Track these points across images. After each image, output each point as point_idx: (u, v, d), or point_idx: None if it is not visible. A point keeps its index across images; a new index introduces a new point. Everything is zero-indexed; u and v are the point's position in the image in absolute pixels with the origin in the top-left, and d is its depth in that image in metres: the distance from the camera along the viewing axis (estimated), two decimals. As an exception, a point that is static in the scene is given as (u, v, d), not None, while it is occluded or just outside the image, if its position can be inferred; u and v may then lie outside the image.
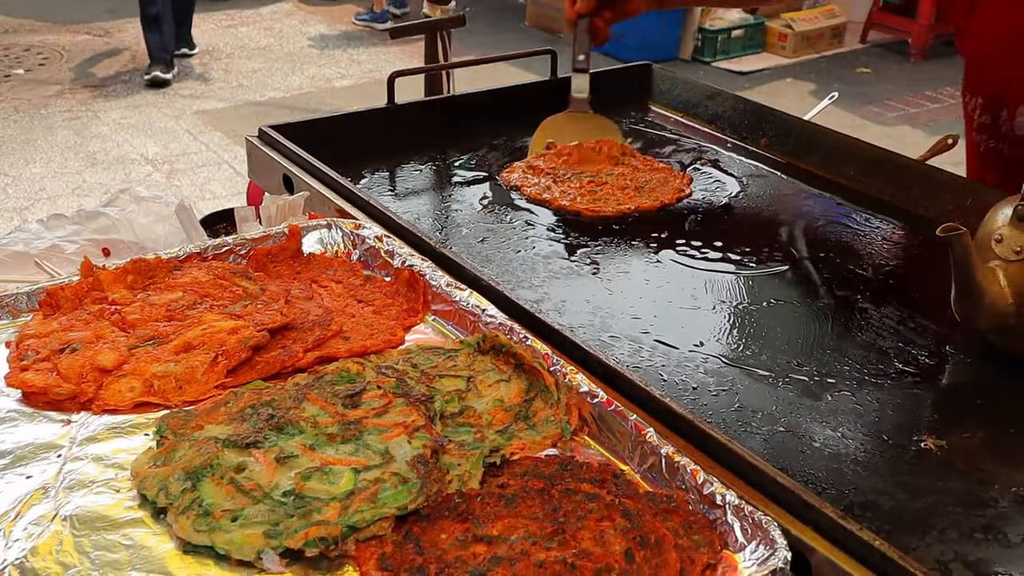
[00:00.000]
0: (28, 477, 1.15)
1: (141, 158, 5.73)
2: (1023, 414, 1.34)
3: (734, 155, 2.12)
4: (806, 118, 2.28)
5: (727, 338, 1.48)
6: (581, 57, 2.01)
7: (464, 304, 1.41)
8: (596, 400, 1.22)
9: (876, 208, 1.89)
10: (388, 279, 1.52)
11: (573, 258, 1.68)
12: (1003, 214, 1.41)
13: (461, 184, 1.95)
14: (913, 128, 6.26)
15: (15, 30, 7.84)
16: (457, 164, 2.03)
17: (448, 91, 2.72)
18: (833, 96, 3.02)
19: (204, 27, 8.08)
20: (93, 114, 6.34)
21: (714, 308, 1.56)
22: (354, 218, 1.63)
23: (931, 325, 1.52)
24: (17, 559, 1.03)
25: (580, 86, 2.04)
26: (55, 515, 1.09)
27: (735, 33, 7.44)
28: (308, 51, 7.61)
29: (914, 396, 1.36)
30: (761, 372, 1.40)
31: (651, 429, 1.16)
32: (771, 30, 7.51)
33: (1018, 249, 1.37)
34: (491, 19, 8.36)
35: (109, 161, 5.66)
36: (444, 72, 2.67)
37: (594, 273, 1.64)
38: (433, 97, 2.32)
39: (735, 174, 2.03)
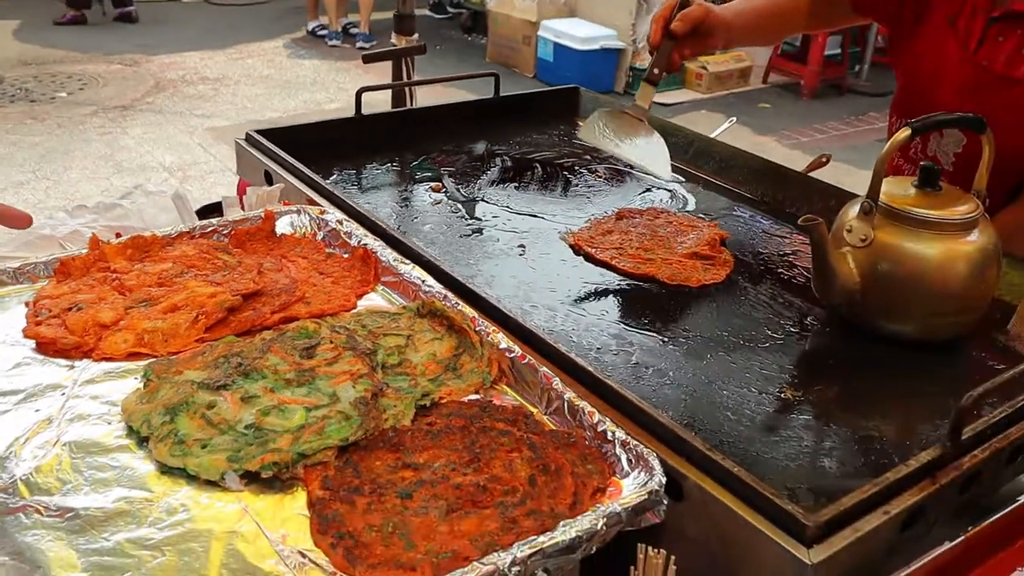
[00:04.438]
0: (36, 410, 1.15)
1: (159, 166, 5.64)
2: (865, 372, 1.36)
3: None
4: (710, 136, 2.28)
5: (629, 309, 1.48)
6: (655, 71, 1.76)
7: (408, 276, 1.41)
8: (512, 355, 1.22)
9: (758, 207, 1.90)
10: (346, 256, 1.51)
11: (504, 242, 1.68)
12: (854, 209, 1.42)
13: (416, 181, 1.93)
14: (803, 153, 6.31)
15: (61, 61, 7.71)
16: (413, 164, 2.01)
17: (410, 106, 2.70)
18: (732, 120, 3.02)
19: (216, 59, 7.99)
20: (121, 130, 6.24)
21: (617, 285, 1.56)
22: (320, 205, 1.62)
23: (796, 301, 1.53)
24: (24, 475, 1.03)
25: (645, 95, 1.78)
26: (57, 441, 1.09)
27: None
28: (303, 79, 7.53)
29: (779, 358, 1.37)
30: (655, 336, 1.40)
31: (557, 378, 1.16)
32: (689, 70, 7.52)
33: (863, 237, 1.38)
34: (458, 56, 8.34)
35: (133, 168, 5.57)
36: (408, 90, 2.66)
37: (520, 255, 1.63)
38: (395, 109, 2.30)
39: (638, 176, 2.03)
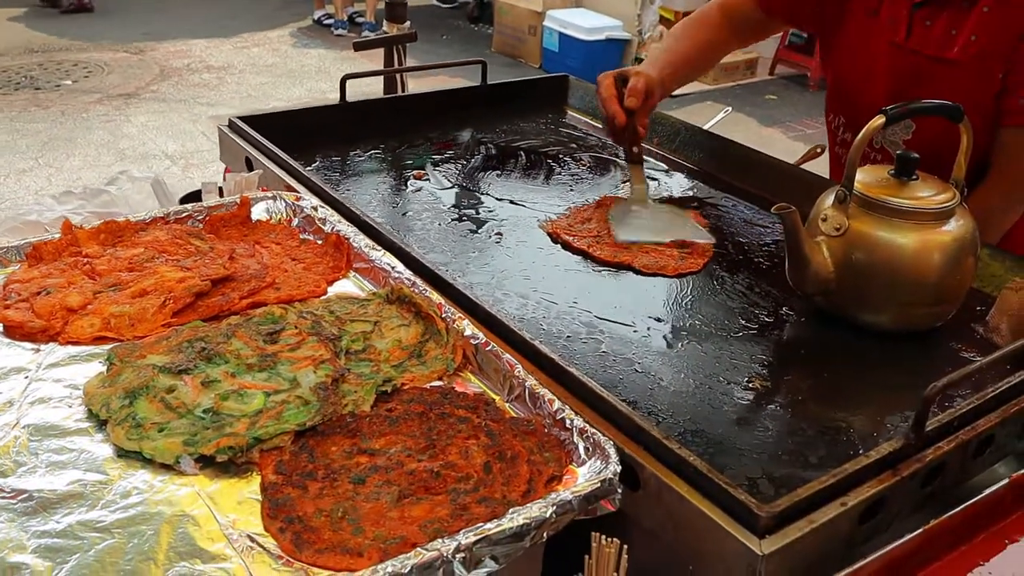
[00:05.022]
0: (-2, 393, 1.14)
1: (162, 154, 5.65)
2: (836, 363, 1.35)
3: (631, 152, 2.11)
4: (705, 127, 2.24)
5: (601, 297, 1.47)
6: (635, 150, 1.81)
7: (378, 263, 1.40)
8: (476, 341, 1.21)
9: (743, 197, 1.88)
10: (320, 242, 1.50)
11: (481, 230, 1.67)
12: (830, 198, 1.40)
13: (397, 168, 1.92)
14: (807, 144, 6.24)
15: (66, 49, 7.72)
16: (396, 151, 2.00)
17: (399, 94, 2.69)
18: (728, 110, 3.00)
19: (222, 48, 7.99)
20: (125, 117, 6.25)
21: (592, 272, 1.55)
22: (296, 192, 1.61)
23: (773, 291, 1.52)
24: (-20, 457, 1.02)
25: (638, 176, 1.80)
26: (16, 423, 1.09)
27: (664, 64, 7.41)
28: (308, 68, 7.53)
29: (750, 347, 1.36)
30: (625, 325, 1.39)
31: (519, 366, 1.15)
32: (696, 62, 7.50)
33: (838, 227, 1.36)
34: (463, 46, 8.32)
35: (136, 156, 5.58)
36: (399, 77, 2.65)
37: (497, 243, 1.62)
38: (378, 96, 2.29)
39: (623, 165, 2.01)
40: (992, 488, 1.06)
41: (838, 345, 1.39)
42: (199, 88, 6.95)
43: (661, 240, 1.63)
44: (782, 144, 6.21)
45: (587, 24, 7.26)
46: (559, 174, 1.94)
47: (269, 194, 1.60)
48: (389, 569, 0.84)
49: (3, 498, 0.98)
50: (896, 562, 0.96)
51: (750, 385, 1.26)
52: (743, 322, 1.42)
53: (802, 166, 2.16)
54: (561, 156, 2.03)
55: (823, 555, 0.97)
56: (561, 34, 7.40)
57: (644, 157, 1.88)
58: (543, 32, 7.64)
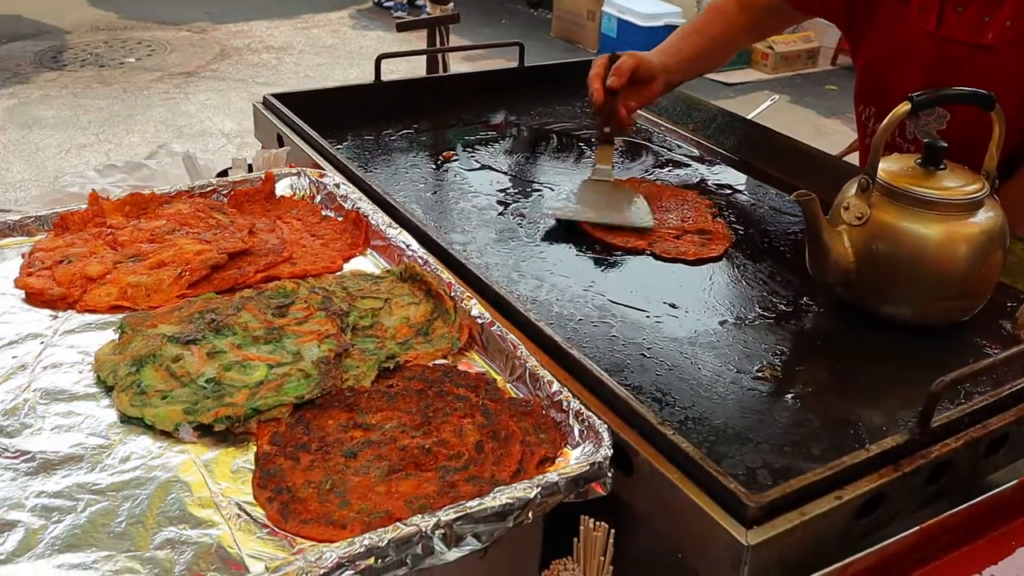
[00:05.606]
0: (14, 357, 1.18)
1: (219, 132, 5.74)
2: (853, 355, 1.32)
3: (666, 136, 2.08)
4: (750, 116, 2.19)
5: (618, 282, 1.46)
6: (606, 129, 1.76)
7: (394, 241, 1.41)
8: (482, 321, 1.21)
9: (776, 184, 1.85)
10: (340, 219, 1.51)
11: (505, 211, 1.66)
12: (854, 187, 1.37)
13: (428, 148, 1.93)
14: (868, 137, 6.14)
15: (131, 28, 7.87)
16: (428, 132, 2.01)
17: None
18: (774, 98, 2.95)
19: (282, 28, 8.08)
20: (184, 95, 6.36)
21: (611, 257, 1.54)
22: (322, 168, 1.62)
23: (795, 279, 1.49)
24: (-9, 417, 1.06)
25: (604, 156, 1.77)
26: (27, 386, 1.12)
27: (725, 50, 7.31)
28: (366, 50, 7.56)
29: (766, 336, 1.34)
30: (639, 310, 1.38)
31: (522, 346, 1.15)
32: (756, 50, 7.36)
33: (859, 216, 1.33)
34: (522, 31, 8.28)
35: (193, 134, 5.67)
36: (441, 59, 2.65)
37: (519, 224, 1.62)
38: (415, 77, 2.29)
39: (656, 148, 1.99)
40: (998, 488, 1.02)
41: (857, 337, 1.36)
42: (258, 68, 7.04)
43: (590, 220, 1.60)
44: (840, 135, 6.07)
45: (646, 10, 7.18)
46: (589, 157, 1.92)
47: (294, 170, 1.62)
48: (366, 542, 0.84)
49: (7, 458, 1.00)
50: (890, 559, 0.94)
51: (760, 374, 1.24)
52: (760, 311, 1.40)
53: (845, 158, 2.12)
54: (594, 140, 2.01)
55: (816, 549, 0.95)
56: (619, 19, 7.34)
57: (617, 139, 1.83)
58: (601, 17, 7.58)
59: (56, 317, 1.26)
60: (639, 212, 1.64)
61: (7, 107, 5.96)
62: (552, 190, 1.76)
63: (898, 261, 1.31)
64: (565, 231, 1.60)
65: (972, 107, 1.35)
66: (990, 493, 1.02)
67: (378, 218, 1.46)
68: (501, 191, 1.75)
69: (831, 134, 6.06)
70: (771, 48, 7.31)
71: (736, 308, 1.40)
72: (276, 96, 1.91)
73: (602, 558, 0.94)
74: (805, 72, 7.45)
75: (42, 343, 1.21)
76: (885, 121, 1.29)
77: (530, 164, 1.88)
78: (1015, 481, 1.04)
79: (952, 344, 1.36)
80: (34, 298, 1.29)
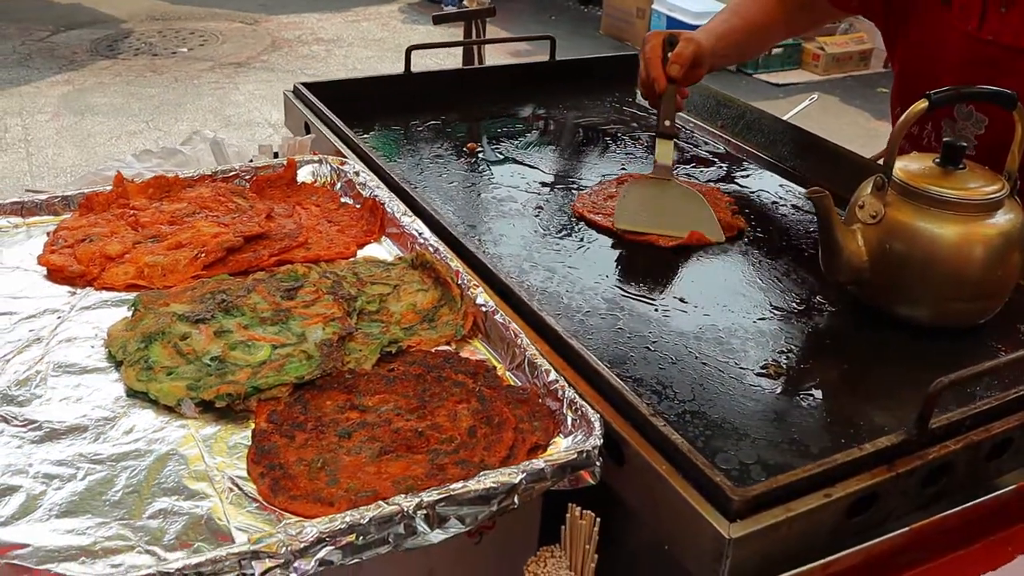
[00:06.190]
0: (31, 330, 1.22)
1: (265, 122, 5.83)
2: (863, 355, 1.30)
3: (693, 132, 2.08)
4: (786, 117, 2.15)
5: (630, 274, 1.46)
6: (667, 123, 1.66)
7: (408, 228, 1.42)
8: (486, 309, 1.22)
9: (799, 183, 1.83)
10: (358, 206, 1.54)
11: (522, 203, 1.67)
12: (871, 186, 1.36)
13: (453, 139, 1.94)
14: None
15: (185, 17, 8.02)
16: (455, 123, 2.02)
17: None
18: (814, 97, 2.93)
19: (333, 21, 8.16)
20: (234, 85, 6.46)
21: (625, 248, 1.54)
22: (344, 156, 1.65)
23: (810, 278, 1.48)
24: (6, 385, 1.10)
25: (665, 152, 1.66)
26: (41, 358, 1.16)
27: (775, 51, 7.20)
28: (414, 43, 7.63)
29: (774, 333, 1.33)
30: (648, 303, 1.38)
31: (523, 335, 1.16)
32: (807, 50, 7.27)
33: (874, 214, 1.32)
34: (571, 27, 8.28)
35: (240, 124, 5.77)
36: (476, 51, 2.66)
37: (536, 215, 1.63)
38: (444, 69, 2.31)
39: (681, 145, 1.98)
40: (995, 493, 1.01)
41: (868, 338, 1.34)
42: (307, 60, 7.12)
43: (663, 232, 1.55)
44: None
45: (695, 8, 7.13)
46: (614, 152, 1.93)
47: (316, 158, 1.64)
48: (348, 519, 0.86)
49: (16, 426, 1.04)
50: (877, 559, 0.93)
51: (764, 371, 1.24)
52: (772, 307, 1.39)
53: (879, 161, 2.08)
54: (620, 134, 2.01)
55: (803, 545, 0.95)
56: (669, 17, 7.29)
57: (677, 131, 1.75)
58: (651, 15, 7.54)
59: (74, 293, 1.30)
60: (709, 223, 1.57)
61: (62, 94, 6.10)
62: (574, 183, 1.76)
63: (912, 261, 1.29)
64: (581, 222, 1.60)
65: (1011, 112, 1.32)
66: (987, 496, 1.01)
67: (394, 206, 1.48)
68: (523, 183, 1.75)
69: (881, 136, 5.95)
70: (822, 49, 7.22)
71: (747, 305, 1.39)
72: (306, 85, 1.94)
73: (587, 546, 0.95)
74: (857, 74, 7.33)
75: (59, 318, 1.25)
76: (902, 118, 1.27)
77: (554, 157, 1.88)
78: (1015, 485, 1.02)
79: (966, 347, 1.34)
80: (55, 275, 1.34)
